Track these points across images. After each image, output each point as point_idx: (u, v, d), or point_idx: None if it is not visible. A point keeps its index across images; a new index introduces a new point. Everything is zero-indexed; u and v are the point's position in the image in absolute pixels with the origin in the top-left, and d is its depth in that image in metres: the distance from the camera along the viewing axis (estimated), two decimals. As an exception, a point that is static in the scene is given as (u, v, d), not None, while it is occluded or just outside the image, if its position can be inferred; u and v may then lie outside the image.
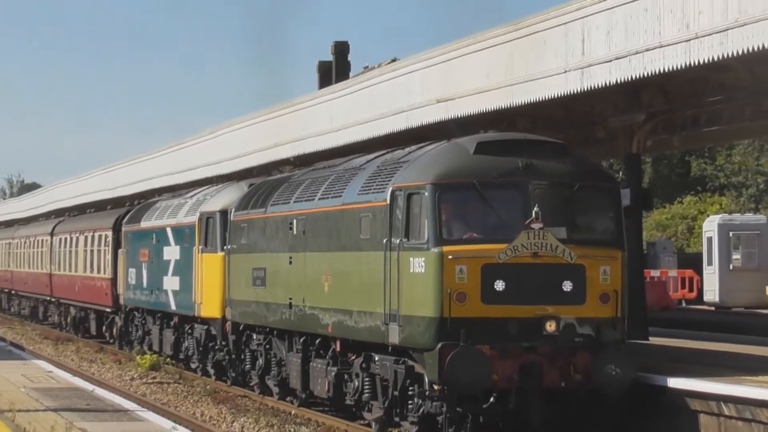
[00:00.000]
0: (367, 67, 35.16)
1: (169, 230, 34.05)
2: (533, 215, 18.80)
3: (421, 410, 19.74)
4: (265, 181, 28.73)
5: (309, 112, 33.72)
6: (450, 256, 18.74)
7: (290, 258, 24.42)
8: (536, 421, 18.92)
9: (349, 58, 43.08)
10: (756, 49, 18.12)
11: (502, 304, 18.76)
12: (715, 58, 18.94)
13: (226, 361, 30.05)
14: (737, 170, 64.35)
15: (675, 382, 19.03)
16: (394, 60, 31.44)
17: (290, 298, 24.41)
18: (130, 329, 39.88)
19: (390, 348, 20.26)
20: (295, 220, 24.24)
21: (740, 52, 18.43)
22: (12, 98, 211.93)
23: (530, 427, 18.99)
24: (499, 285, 18.76)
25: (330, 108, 32.37)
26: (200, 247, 30.87)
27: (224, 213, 29.43)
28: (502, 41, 24.17)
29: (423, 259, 19.03)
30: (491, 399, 18.74)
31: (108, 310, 43.05)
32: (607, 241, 19.47)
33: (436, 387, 19.01)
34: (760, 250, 45.31)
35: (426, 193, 19.15)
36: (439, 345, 18.64)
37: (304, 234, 23.74)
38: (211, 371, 31.42)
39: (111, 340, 43.71)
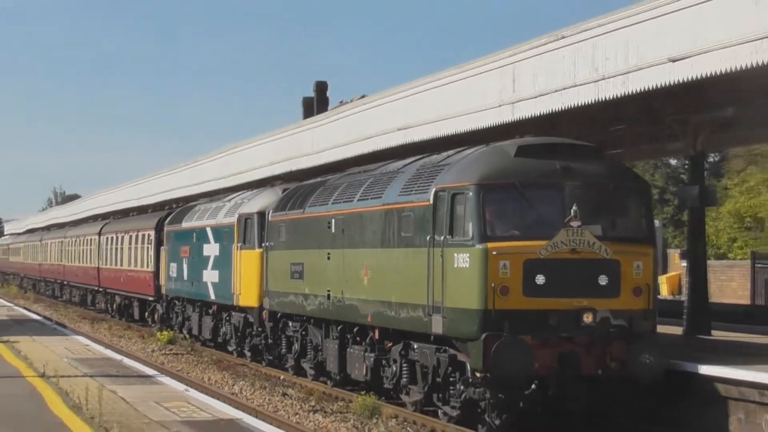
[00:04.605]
0: (342, 101, 33.88)
1: (209, 230, 31.43)
2: (572, 214, 16.25)
3: (463, 396, 17.13)
4: (299, 185, 26.09)
5: (294, 138, 33.11)
6: (494, 252, 16.16)
7: (328, 254, 21.75)
8: (575, 407, 16.34)
9: (327, 95, 41.62)
10: (651, 88, 17.80)
11: (543, 297, 16.19)
12: (619, 96, 18.48)
13: (262, 345, 27.40)
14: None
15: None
16: (363, 96, 30.45)
17: (328, 290, 21.75)
18: (171, 315, 37.25)
19: (432, 337, 17.65)
20: (333, 220, 21.59)
21: (639, 91, 18.07)
22: (54, 118, 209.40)
23: (569, 413, 16.41)
24: (540, 279, 16.19)
25: (312, 134, 31.65)
26: (239, 244, 28.25)
27: (261, 214, 26.90)
28: (452, 80, 23.58)
29: (468, 254, 16.42)
30: (532, 386, 16.14)
31: (150, 298, 40.46)
32: (639, 238, 16.87)
33: (478, 374, 16.42)
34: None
35: (470, 193, 16.56)
36: (484, 335, 16.07)
37: (343, 232, 21.09)
38: (248, 354, 28.75)
39: (152, 325, 41.04)
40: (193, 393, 19.37)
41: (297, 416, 19.97)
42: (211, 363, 28.67)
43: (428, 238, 17.37)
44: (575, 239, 16.24)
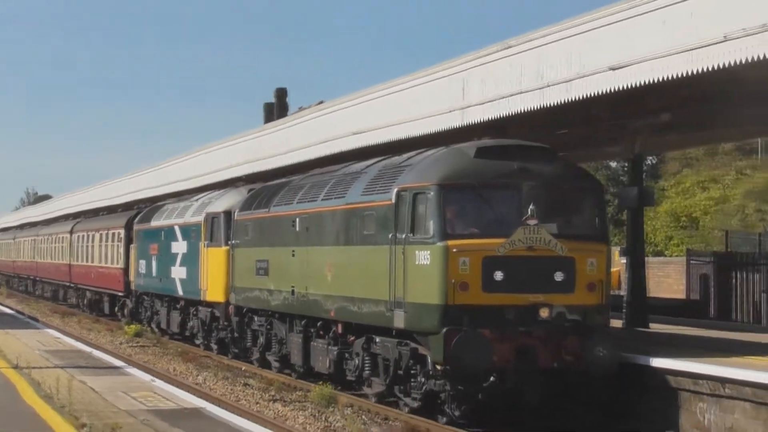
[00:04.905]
0: (301, 107, 33.62)
1: (177, 228, 30.79)
2: (529, 212, 15.83)
3: (424, 388, 16.68)
4: (264, 186, 25.56)
5: (257, 141, 32.67)
6: (454, 249, 15.70)
7: (293, 251, 21.24)
8: (532, 399, 15.93)
9: (287, 100, 41.27)
10: (593, 95, 17.54)
11: (501, 292, 15.73)
12: (562, 102, 18.23)
13: (228, 339, 26.82)
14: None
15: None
16: (320, 102, 30.14)
17: (293, 286, 21.23)
18: (140, 310, 36.54)
19: (394, 331, 17.19)
20: (297, 219, 21.07)
21: (581, 97, 17.77)
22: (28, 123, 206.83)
23: (527, 404, 16.01)
24: (498, 275, 15.73)
25: (275, 138, 31.25)
26: (206, 242, 27.67)
27: (228, 213, 26.37)
28: (405, 87, 23.23)
29: (428, 252, 15.97)
30: (491, 378, 15.72)
31: (120, 294, 39.70)
32: (593, 236, 16.45)
33: (439, 367, 15.97)
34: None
35: (432, 193, 16.10)
36: (444, 329, 15.60)
37: (307, 230, 20.58)
38: (214, 347, 28.15)
39: (122, 319, 40.29)
40: (159, 383, 18.91)
41: (258, 405, 19.56)
42: (176, 355, 28.19)
43: (390, 236, 16.89)
44: (532, 237, 15.83)
